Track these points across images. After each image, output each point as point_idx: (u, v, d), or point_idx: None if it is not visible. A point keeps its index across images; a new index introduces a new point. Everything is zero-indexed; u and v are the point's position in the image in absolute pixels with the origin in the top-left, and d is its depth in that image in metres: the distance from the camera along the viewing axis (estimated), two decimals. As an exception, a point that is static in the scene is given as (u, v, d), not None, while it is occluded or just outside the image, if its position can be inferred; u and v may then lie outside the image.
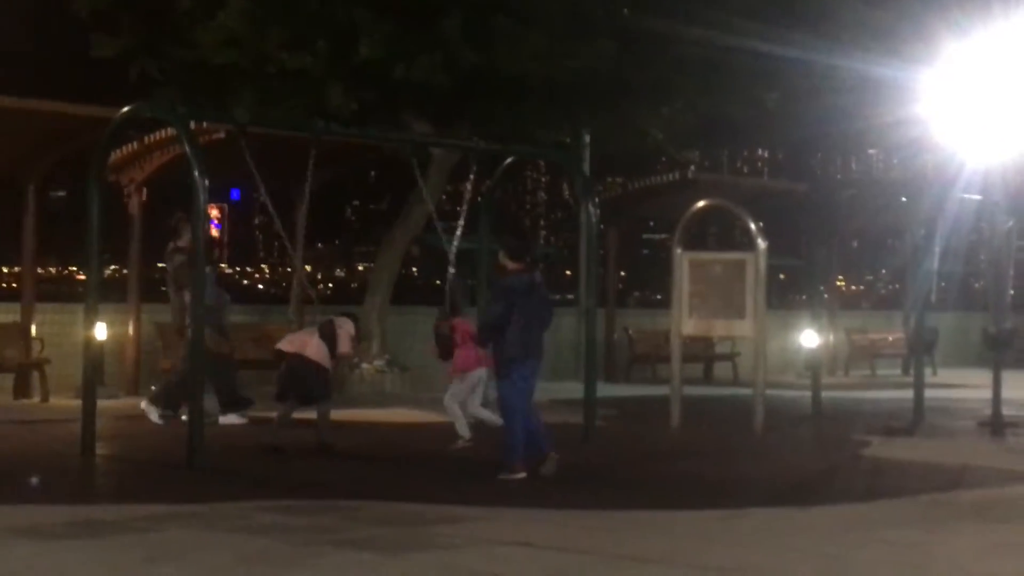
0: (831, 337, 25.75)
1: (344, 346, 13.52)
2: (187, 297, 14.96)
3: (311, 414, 13.48)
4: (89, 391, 13.10)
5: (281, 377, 13.55)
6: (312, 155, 13.46)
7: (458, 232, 15.21)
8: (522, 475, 11.85)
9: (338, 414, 16.70)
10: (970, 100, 17.44)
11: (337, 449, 13.25)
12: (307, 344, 13.42)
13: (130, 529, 8.95)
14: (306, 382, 13.38)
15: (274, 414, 13.69)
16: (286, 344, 13.57)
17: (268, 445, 13.20)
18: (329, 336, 13.48)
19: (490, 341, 12.36)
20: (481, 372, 13.88)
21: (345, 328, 13.63)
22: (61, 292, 34.95)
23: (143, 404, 16.18)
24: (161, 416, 15.83)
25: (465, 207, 15.70)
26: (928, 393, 18.11)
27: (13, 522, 9.04)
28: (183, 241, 16.08)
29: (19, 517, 9.29)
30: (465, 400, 14.04)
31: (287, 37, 19.51)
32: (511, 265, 12.31)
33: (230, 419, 15.81)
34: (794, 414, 17.96)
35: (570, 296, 48.94)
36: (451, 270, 14.44)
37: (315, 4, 19.44)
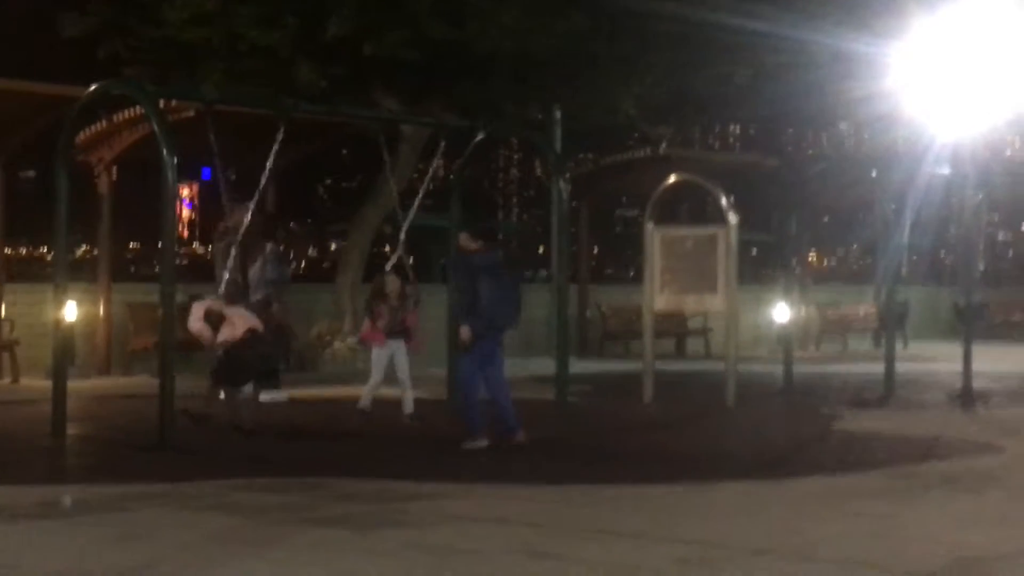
0: (802, 311, 25.80)
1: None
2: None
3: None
4: (60, 372, 13.03)
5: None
6: (281, 133, 13.37)
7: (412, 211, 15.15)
8: (484, 443, 12.09)
9: (310, 392, 16.74)
10: (940, 75, 17.48)
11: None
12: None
13: (101, 509, 8.92)
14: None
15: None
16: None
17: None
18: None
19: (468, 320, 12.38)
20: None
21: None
22: (31, 273, 34.78)
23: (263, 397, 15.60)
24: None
25: (426, 186, 15.75)
26: (899, 366, 18.19)
27: (-17, 503, 9.01)
28: (231, 221, 16.27)
29: (-11, 498, 9.25)
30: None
31: (256, 14, 19.42)
32: (473, 245, 12.52)
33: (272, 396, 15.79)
34: (766, 388, 18.01)
35: (543, 272, 49.00)
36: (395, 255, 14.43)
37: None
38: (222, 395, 13.42)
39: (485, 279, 12.21)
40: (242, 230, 14.19)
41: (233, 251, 14.01)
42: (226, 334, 13.00)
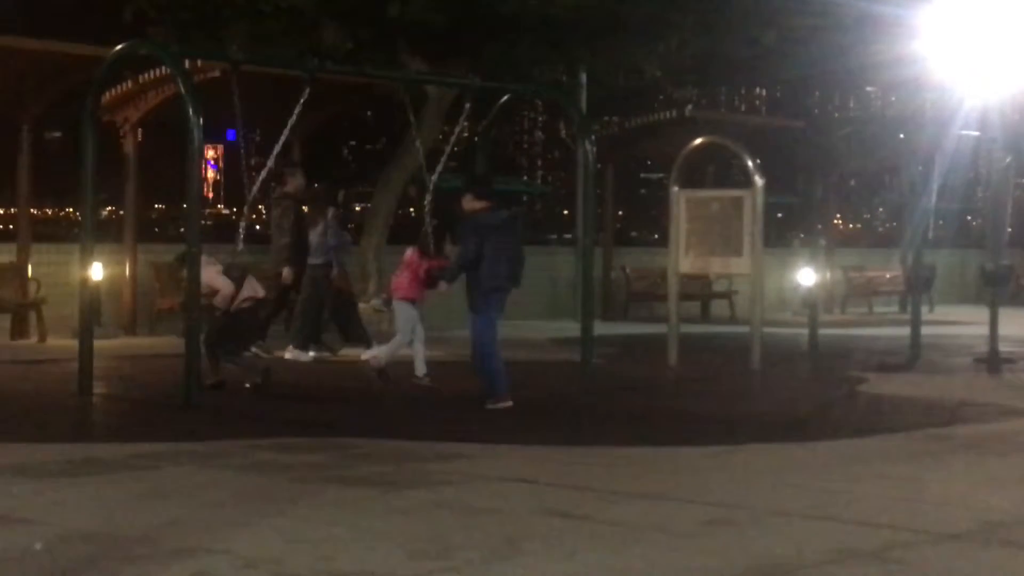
0: (828, 275, 25.72)
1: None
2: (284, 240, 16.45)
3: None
4: (86, 331, 13.09)
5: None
6: (306, 93, 13.35)
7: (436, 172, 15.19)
8: (509, 403, 12.16)
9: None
10: (968, 37, 17.35)
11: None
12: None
13: (127, 467, 8.97)
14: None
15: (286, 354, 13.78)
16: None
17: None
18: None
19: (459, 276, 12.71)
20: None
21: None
22: (57, 233, 34.91)
23: (287, 354, 16.07)
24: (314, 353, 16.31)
25: (451, 147, 15.87)
26: (925, 330, 18.14)
27: (10, 461, 9.07)
28: (289, 187, 16.90)
29: (16, 456, 9.31)
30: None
31: (282, -25, 19.39)
32: (477, 204, 12.56)
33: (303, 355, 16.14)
34: (791, 352, 17.99)
35: (567, 235, 48.95)
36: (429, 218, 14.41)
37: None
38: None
39: (491, 238, 12.23)
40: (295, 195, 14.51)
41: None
42: (247, 292, 13.04)
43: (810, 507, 7.88)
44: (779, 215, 42.95)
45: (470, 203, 12.57)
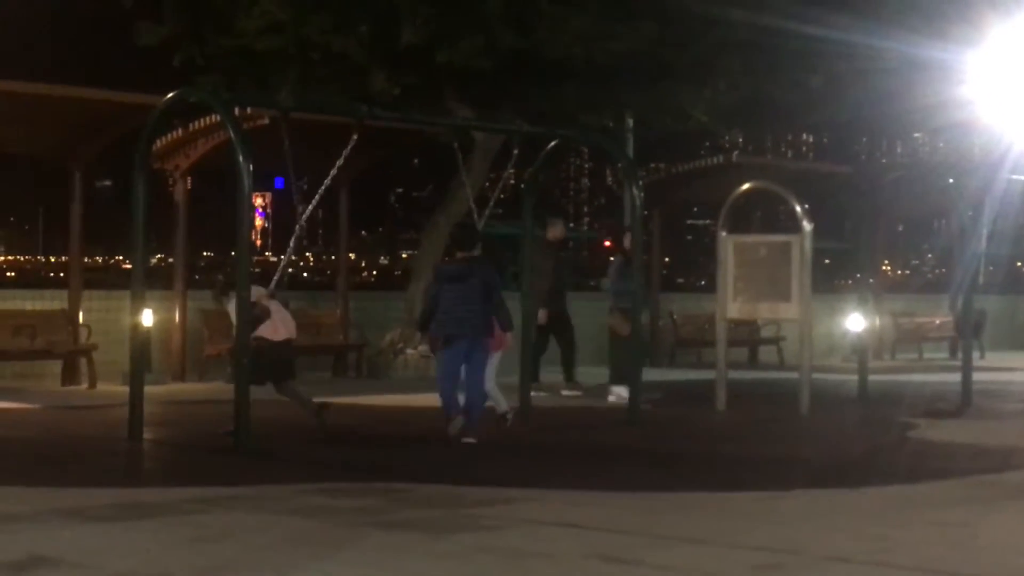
0: (877, 321, 25.59)
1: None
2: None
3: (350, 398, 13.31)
4: (137, 376, 13.16)
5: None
6: (354, 139, 13.42)
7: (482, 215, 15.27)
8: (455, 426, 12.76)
9: (382, 399, 16.81)
10: (1016, 81, 17.30)
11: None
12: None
13: (176, 511, 8.99)
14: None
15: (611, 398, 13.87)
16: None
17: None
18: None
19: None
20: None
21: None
22: (108, 280, 35.20)
23: (612, 398, 16.91)
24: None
25: (497, 194, 16.13)
26: (976, 376, 17.98)
27: (60, 504, 9.11)
28: (550, 234, 18.63)
29: (67, 500, 9.36)
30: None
31: (329, 22, 19.55)
32: (459, 254, 13.21)
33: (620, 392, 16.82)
34: (840, 397, 17.88)
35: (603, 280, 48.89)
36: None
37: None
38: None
39: (444, 287, 12.90)
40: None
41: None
42: (265, 331, 12.92)
43: (862, 552, 7.81)
44: (827, 260, 42.82)
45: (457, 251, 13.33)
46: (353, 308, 22.36)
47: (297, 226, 13.16)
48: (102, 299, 20.22)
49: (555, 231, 18.94)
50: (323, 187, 13.38)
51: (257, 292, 12.72)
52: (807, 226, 16.14)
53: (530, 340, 15.68)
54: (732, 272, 16.69)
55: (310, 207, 13.21)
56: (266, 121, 17.42)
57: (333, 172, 13.19)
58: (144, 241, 13.57)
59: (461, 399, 13.18)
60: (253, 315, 12.39)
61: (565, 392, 18.21)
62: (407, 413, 15.60)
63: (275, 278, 13.54)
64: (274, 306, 13.14)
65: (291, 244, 13.93)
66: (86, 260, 22.32)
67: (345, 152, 13.18)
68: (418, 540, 8.04)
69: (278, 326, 13.08)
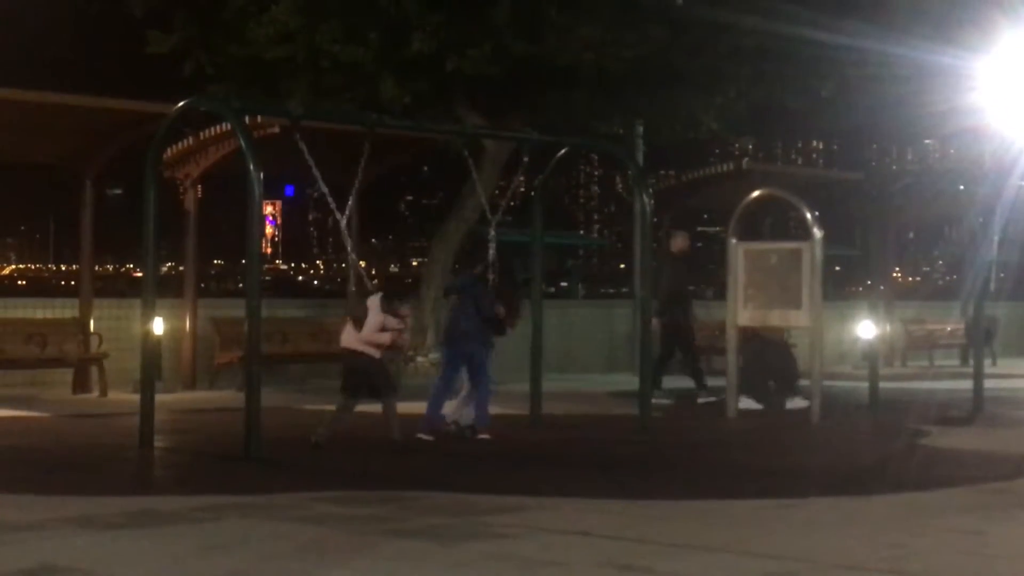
0: (888, 328, 25.54)
1: (368, 330, 12.77)
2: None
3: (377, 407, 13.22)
4: (148, 384, 13.17)
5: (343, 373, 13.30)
6: (366, 147, 13.42)
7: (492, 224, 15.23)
8: (429, 438, 13.50)
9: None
10: (1027, 87, 17.28)
11: (403, 445, 12.99)
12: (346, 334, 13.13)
13: (187, 519, 8.99)
14: (365, 376, 13.07)
15: (330, 407, 13.56)
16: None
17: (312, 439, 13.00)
18: (360, 320, 12.90)
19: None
20: None
21: (372, 308, 12.84)
22: (118, 288, 35.25)
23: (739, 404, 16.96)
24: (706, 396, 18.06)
25: (507, 201, 16.13)
26: (987, 383, 17.95)
27: (72, 513, 9.12)
28: (674, 247, 19.25)
29: (78, 508, 9.36)
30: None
31: (339, 31, 19.57)
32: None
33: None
34: (851, 404, 17.84)
35: (624, 289, 48.90)
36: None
37: (366, -3, 19.49)
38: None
39: (453, 299, 14.12)
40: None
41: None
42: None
43: (875, 560, 7.79)
44: (837, 268, 42.75)
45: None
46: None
47: (343, 228, 13.15)
48: (113, 307, 20.24)
49: (679, 243, 19.23)
50: (354, 189, 13.40)
51: (374, 302, 12.74)
52: (818, 233, 16.11)
53: (538, 347, 15.62)
54: (743, 280, 16.67)
55: (348, 208, 13.14)
56: (276, 130, 17.44)
57: (359, 178, 13.26)
58: (155, 249, 13.58)
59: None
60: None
61: (701, 401, 18.40)
62: (418, 421, 15.56)
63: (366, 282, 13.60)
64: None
65: (348, 247, 13.82)
66: (97, 268, 22.35)
67: (363, 161, 13.20)
68: (431, 548, 8.03)
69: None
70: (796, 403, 17.16)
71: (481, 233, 15.43)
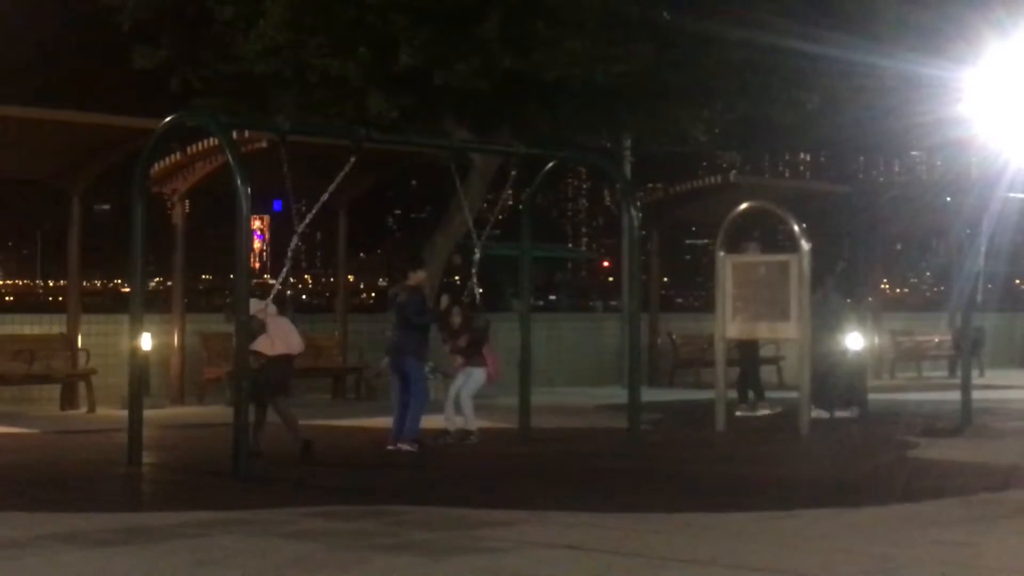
0: (876, 339, 25.55)
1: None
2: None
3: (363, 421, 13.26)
4: (136, 401, 13.14)
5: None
6: (351, 162, 13.41)
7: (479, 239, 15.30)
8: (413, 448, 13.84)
9: (381, 422, 16.75)
10: (1013, 99, 17.33)
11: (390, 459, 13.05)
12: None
13: (177, 535, 8.97)
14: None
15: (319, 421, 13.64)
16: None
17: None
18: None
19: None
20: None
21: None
22: (106, 304, 35.18)
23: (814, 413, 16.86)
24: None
25: (496, 215, 16.10)
26: (975, 394, 17.95)
27: (60, 529, 9.09)
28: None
29: (66, 524, 9.33)
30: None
31: (327, 45, 19.57)
32: (422, 276, 14.77)
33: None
34: (839, 416, 17.83)
35: (613, 302, 48.94)
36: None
37: (354, 12, 19.48)
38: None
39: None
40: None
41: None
42: (261, 345, 12.90)
43: (863, 572, 7.79)
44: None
45: (417, 277, 14.45)
46: (352, 330, 22.33)
47: (292, 242, 13.19)
48: (101, 323, 20.19)
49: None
50: (317, 206, 13.39)
51: (255, 306, 12.70)
52: (805, 245, 16.14)
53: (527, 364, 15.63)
54: (731, 292, 16.68)
55: (301, 226, 13.16)
56: (264, 144, 17.42)
57: (326, 194, 13.20)
58: (143, 265, 13.56)
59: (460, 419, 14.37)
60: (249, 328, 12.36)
61: (760, 413, 18.39)
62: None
63: (272, 293, 13.54)
64: (279, 322, 13.15)
65: (287, 261, 13.89)
66: (84, 284, 22.30)
67: (341, 174, 13.18)
68: (421, 562, 8.03)
69: (274, 341, 13.06)
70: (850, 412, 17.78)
71: (472, 247, 15.41)
